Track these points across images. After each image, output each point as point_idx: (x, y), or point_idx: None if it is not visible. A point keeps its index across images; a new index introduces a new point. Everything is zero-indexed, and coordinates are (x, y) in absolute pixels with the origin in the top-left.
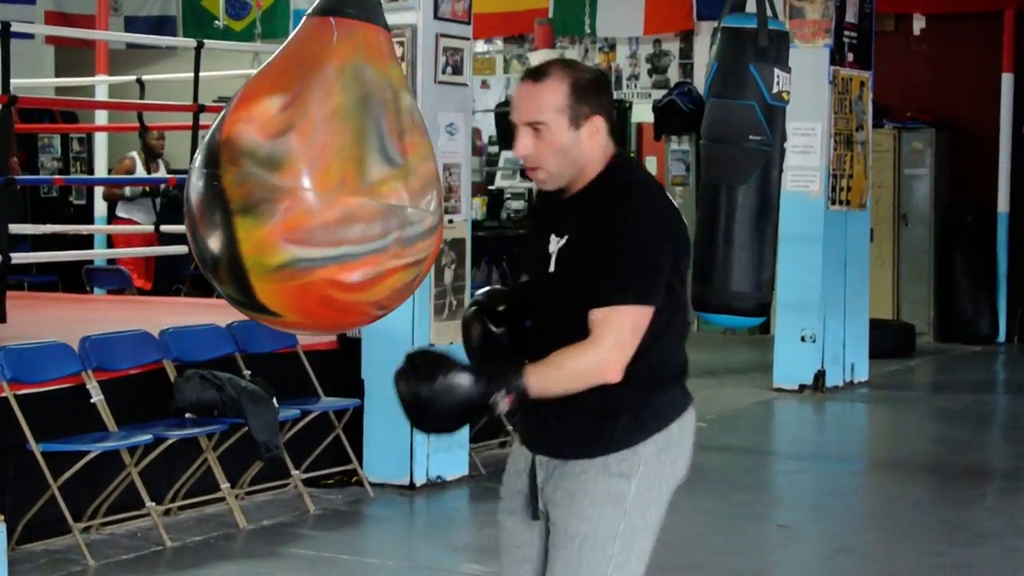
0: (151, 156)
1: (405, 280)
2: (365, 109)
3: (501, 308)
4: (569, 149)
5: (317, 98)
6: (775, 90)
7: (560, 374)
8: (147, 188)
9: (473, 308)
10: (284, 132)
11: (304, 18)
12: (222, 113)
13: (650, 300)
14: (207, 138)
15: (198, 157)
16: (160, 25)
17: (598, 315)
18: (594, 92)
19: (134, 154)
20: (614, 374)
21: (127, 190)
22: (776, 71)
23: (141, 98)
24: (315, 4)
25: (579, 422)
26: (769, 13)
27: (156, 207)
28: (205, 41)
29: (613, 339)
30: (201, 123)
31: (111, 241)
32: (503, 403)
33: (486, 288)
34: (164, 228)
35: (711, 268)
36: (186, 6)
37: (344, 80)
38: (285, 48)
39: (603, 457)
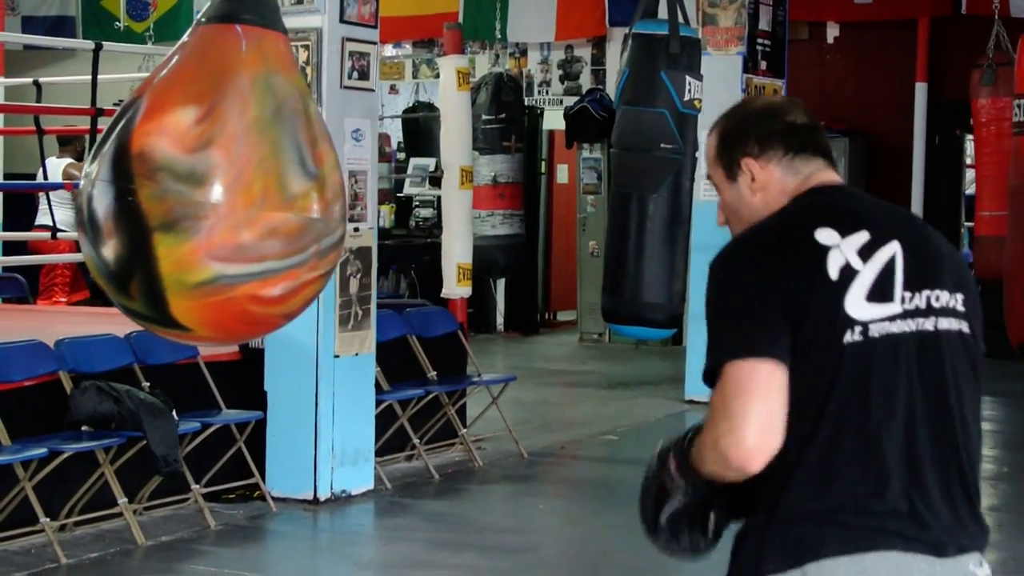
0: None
1: (316, 290)
2: (280, 120)
3: None
4: (736, 207)
5: (234, 110)
6: (686, 98)
7: (697, 445)
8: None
9: None
10: (204, 147)
11: (200, 25)
12: (122, 122)
13: (738, 352)
14: (108, 148)
15: (99, 168)
16: (59, 26)
17: None
18: (743, 130)
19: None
20: (727, 451)
21: None
22: (688, 78)
23: (38, 101)
24: (210, 10)
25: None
26: (681, 20)
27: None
28: (104, 43)
29: (712, 410)
30: (99, 127)
31: (33, 249)
32: (671, 465)
33: None
34: (62, 235)
35: (621, 279)
36: (86, 7)
37: (258, 91)
38: (186, 55)
39: None
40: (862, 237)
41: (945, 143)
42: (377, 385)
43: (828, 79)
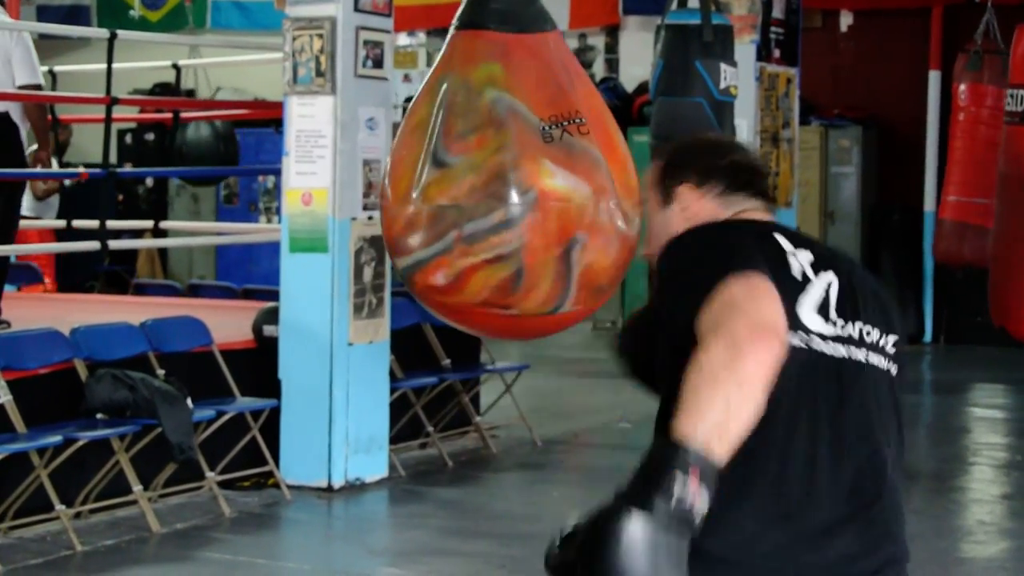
0: (61, 151)
1: (499, 276)
2: (433, 117)
3: None
4: (661, 233)
5: (408, 115)
6: (722, 85)
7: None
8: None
9: None
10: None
11: None
12: None
13: (739, 270)
14: None
15: None
16: (73, 15)
17: None
18: (687, 161)
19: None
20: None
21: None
22: (722, 66)
23: (53, 90)
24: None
25: None
26: (713, 8)
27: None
28: (119, 32)
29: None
30: (114, 116)
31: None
32: (688, 486)
33: None
34: (76, 223)
35: None
36: None
37: (431, 94)
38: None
39: None
40: (808, 255)
41: None
42: (391, 373)
43: (841, 67)
